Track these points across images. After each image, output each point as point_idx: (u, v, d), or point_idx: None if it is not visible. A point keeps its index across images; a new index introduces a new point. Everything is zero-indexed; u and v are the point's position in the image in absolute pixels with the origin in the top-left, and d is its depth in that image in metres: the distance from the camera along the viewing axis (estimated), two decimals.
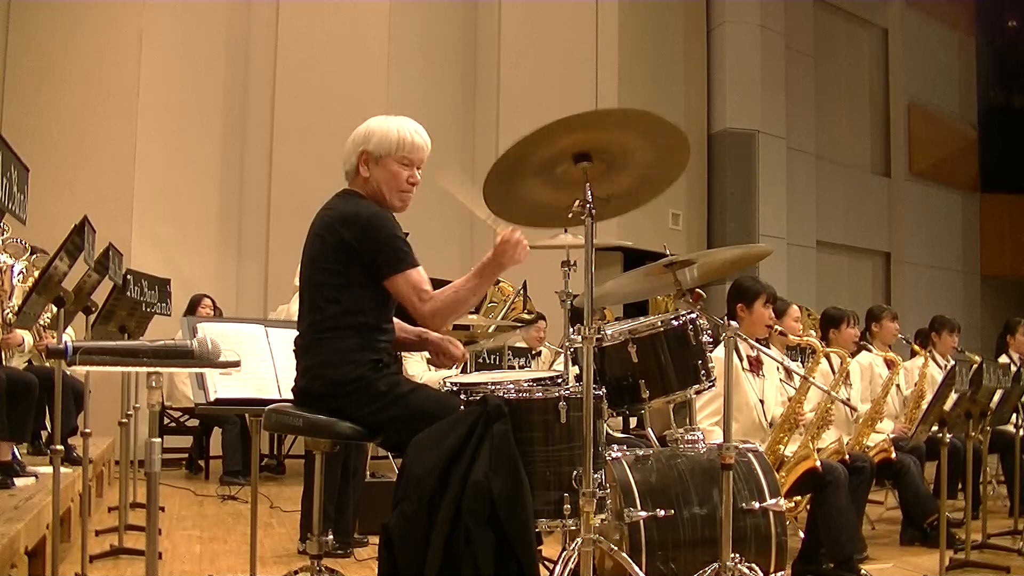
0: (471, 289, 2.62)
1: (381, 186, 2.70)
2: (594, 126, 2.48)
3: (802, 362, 5.45)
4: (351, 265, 2.56)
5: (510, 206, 2.69)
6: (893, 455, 4.24)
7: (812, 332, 5.29)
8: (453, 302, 2.59)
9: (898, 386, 5.19)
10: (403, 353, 5.64)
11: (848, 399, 4.54)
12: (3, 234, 4.13)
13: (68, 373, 4.10)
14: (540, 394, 2.53)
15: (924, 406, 4.80)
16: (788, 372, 4.06)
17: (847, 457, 3.73)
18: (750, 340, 3.71)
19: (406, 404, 2.53)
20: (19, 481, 3.65)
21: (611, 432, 3.50)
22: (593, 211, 2.48)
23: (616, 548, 2.68)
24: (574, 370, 3.26)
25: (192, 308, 6.50)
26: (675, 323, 2.97)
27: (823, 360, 4.17)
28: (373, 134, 2.70)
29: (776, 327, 3.94)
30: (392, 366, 2.65)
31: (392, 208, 2.74)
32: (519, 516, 2.33)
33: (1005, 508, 5.30)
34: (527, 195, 2.64)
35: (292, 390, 2.69)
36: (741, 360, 3.81)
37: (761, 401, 3.82)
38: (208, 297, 6.70)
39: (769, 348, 4.13)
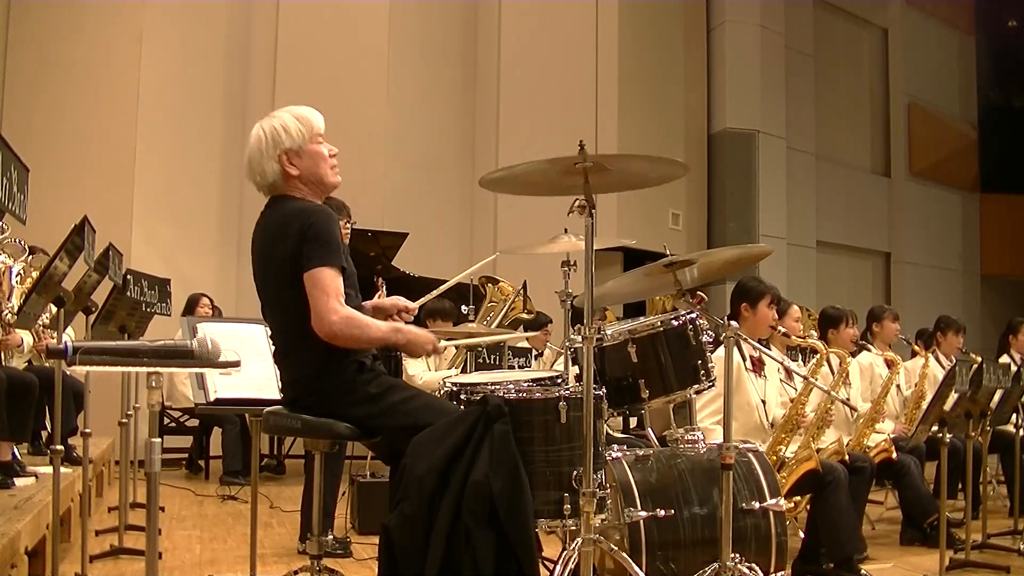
0: (381, 335, 2.50)
1: (314, 171, 2.60)
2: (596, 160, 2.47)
3: (803, 362, 5.45)
4: (297, 267, 2.46)
5: (507, 184, 2.69)
6: (894, 455, 4.24)
7: (813, 333, 5.29)
8: (364, 326, 2.47)
9: (898, 386, 5.19)
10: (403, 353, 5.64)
11: (848, 399, 4.54)
12: (2, 233, 4.12)
13: (68, 373, 4.10)
14: (540, 394, 2.53)
15: (924, 406, 4.81)
16: (788, 372, 4.05)
17: (847, 458, 3.73)
18: (751, 340, 3.71)
19: (404, 413, 2.49)
20: (19, 481, 3.65)
21: (611, 432, 3.51)
22: (593, 211, 2.48)
23: (616, 548, 2.68)
24: (574, 370, 3.26)
25: (190, 307, 6.50)
26: (675, 323, 2.97)
27: (825, 361, 4.15)
28: (279, 132, 2.58)
29: (779, 328, 3.94)
30: (377, 366, 2.58)
31: (331, 187, 2.67)
32: (519, 516, 2.33)
33: (1005, 508, 5.30)
34: (524, 178, 2.64)
35: (282, 401, 2.68)
36: (744, 360, 3.81)
37: (763, 401, 3.82)
38: (206, 296, 6.70)
39: (770, 348, 4.12)
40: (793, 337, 4.11)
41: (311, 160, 2.61)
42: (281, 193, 2.63)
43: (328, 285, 2.43)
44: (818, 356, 3.94)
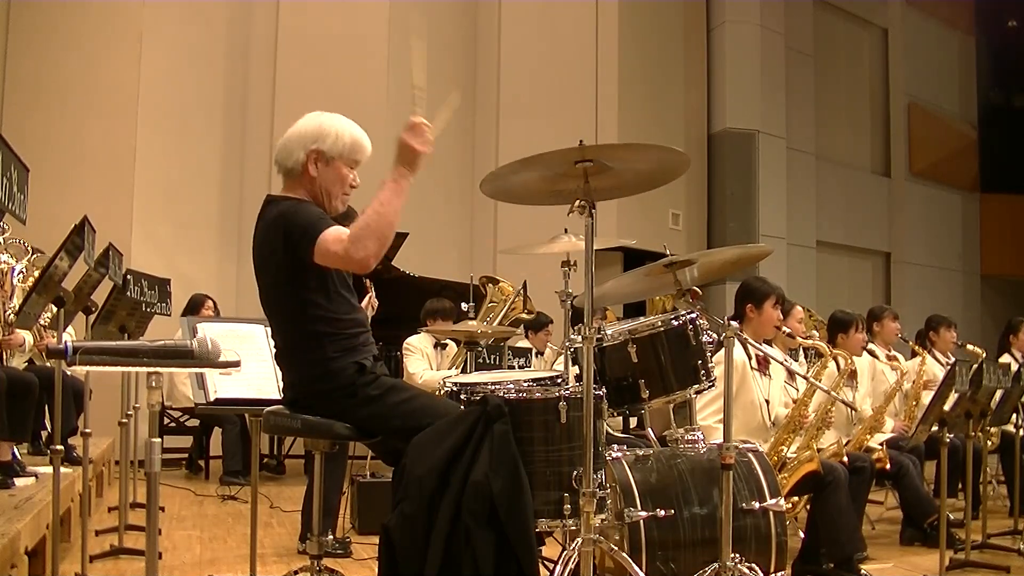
0: (386, 200, 2.41)
1: (329, 187, 2.61)
2: (604, 148, 2.47)
3: (806, 360, 5.45)
4: (295, 266, 2.46)
5: (506, 189, 2.69)
6: (888, 466, 4.19)
7: (815, 333, 5.28)
8: (371, 220, 2.38)
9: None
10: (404, 351, 5.65)
11: (853, 400, 4.54)
12: (3, 233, 4.12)
13: (68, 373, 4.10)
14: (540, 394, 2.53)
15: (923, 403, 4.81)
16: (791, 373, 4.04)
17: (845, 460, 3.73)
18: (751, 341, 3.70)
19: (403, 414, 2.48)
20: (19, 481, 3.65)
21: (611, 432, 3.50)
22: (593, 211, 2.47)
23: (616, 548, 2.68)
24: (574, 370, 3.26)
25: (194, 308, 6.47)
26: (675, 323, 2.97)
27: (832, 361, 4.10)
28: (327, 134, 2.60)
29: (784, 329, 3.93)
30: (377, 367, 2.57)
31: (332, 211, 2.64)
32: (519, 516, 2.33)
33: (1005, 508, 5.30)
34: (524, 183, 2.63)
35: (282, 401, 2.68)
36: (750, 359, 3.80)
37: (766, 401, 3.81)
38: (210, 299, 6.68)
39: (772, 348, 4.11)
40: (797, 338, 4.10)
41: (332, 175, 2.62)
42: (284, 190, 2.65)
43: (328, 246, 2.39)
44: (822, 358, 3.91)
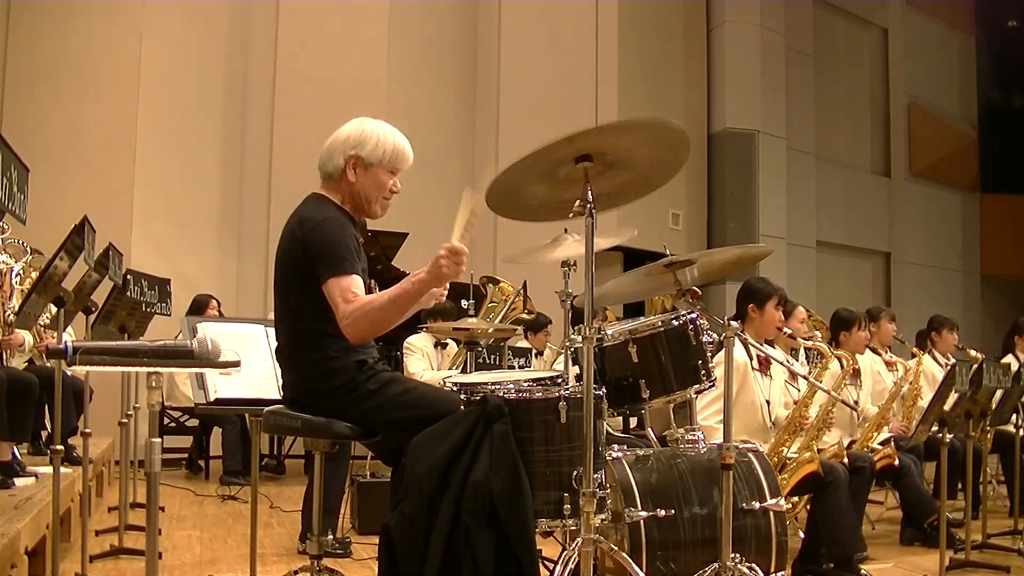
0: (395, 297, 2.46)
1: (368, 192, 2.66)
2: (595, 136, 2.45)
3: (808, 360, 5.45)
4: (307, 271, 2.49)
5: (510, 205, 2.68)
6: (896, 462, 4.20)
7: (816, 334, 5.28)
8: (375, 308, 2.43)
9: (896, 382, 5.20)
10: (405, 350, 5.65)
11: (856, 400, 4.53)
12: (3, 233, 4.12)
13: (68, 373, 4.10)
14: (540, 394, 2.52)
15: (922, 403, 4.80)
16: (792, 374, 4.04)
17: (845, 460, 3.73)
18: (751, 341, 3.70)
19: (401, 405, 2.50)
20: (19, 481, 3.65)
21: (611, 432, 3.50)
22: (594, 211, 2.47)
23: (616, 548, 2.68)
24: (574, 370, 3.26)
25: (199, 308, 6.45)
26: (675, 323, 2.96)
27: (833, 362, 4.10)
28: (368, 139, 2.64)
29: (785, 329, 3.93)
30: (378, 365, 2.59)
31: (372, 215, 2.71)
32: (519, 516, 2.33)
33: (1005, 508, 5.31)
34: (527, 193, 2.63)
35: (282, 400, 2.69)
36: (751, 359, 3.80)
37: (767, 402, 3.81)
38: (214, 299, 6.67)
39: (773, 349, 4.11)
40: (799, 339, 4.09)
41: (371, 181, 2.65)
42: (323, 190, 2.67)
43: (335, 296, 2.45)
44: (824, 359, 3.91)
